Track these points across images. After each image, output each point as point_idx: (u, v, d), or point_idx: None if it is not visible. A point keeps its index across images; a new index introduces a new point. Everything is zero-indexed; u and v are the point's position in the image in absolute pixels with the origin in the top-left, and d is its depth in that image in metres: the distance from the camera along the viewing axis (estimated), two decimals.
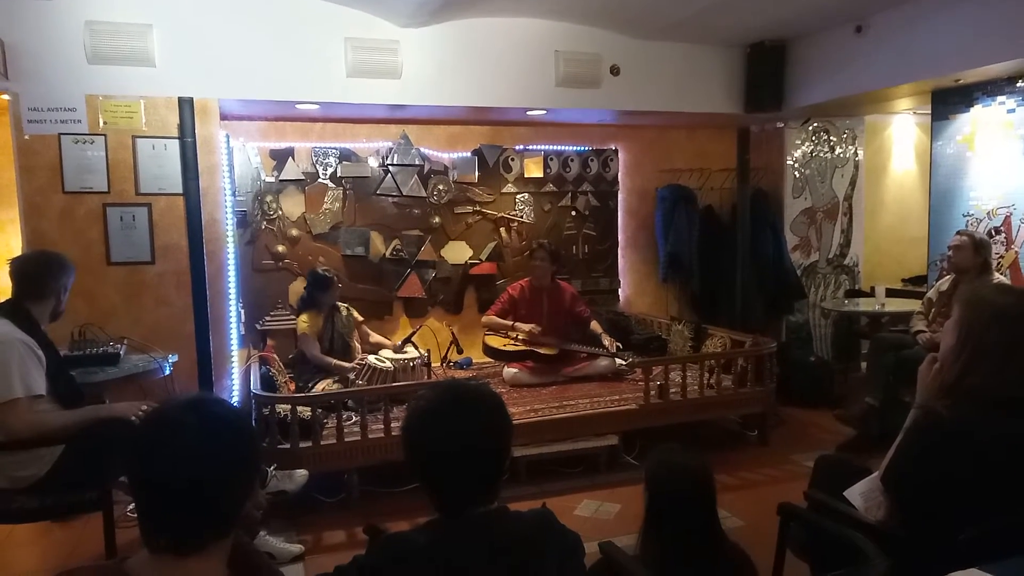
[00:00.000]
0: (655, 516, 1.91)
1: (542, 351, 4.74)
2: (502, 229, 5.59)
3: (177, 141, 3.97)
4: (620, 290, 6.03)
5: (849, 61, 4.74)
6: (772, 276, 5.82)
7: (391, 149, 5.22)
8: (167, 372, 3.64)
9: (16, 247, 4.33)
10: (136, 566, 1.10)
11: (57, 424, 2.67)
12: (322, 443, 3.58)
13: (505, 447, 1.45)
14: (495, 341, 4.80)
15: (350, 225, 5.18)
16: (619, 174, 5.92)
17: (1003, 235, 4.46)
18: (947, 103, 4.79)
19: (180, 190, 4.00)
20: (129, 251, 3.96)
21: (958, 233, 4.14)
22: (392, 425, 3.63)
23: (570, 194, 5.76)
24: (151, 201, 3.99)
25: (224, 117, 4.33)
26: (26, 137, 3.77)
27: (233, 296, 4.31)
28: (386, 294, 5.31)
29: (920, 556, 1.64)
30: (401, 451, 1.44)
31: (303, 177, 5.05)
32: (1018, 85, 4.33)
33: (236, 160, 4.77)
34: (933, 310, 4.28)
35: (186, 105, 3.94)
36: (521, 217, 5.62)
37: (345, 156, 5.13)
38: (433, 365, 4.54)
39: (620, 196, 5.95)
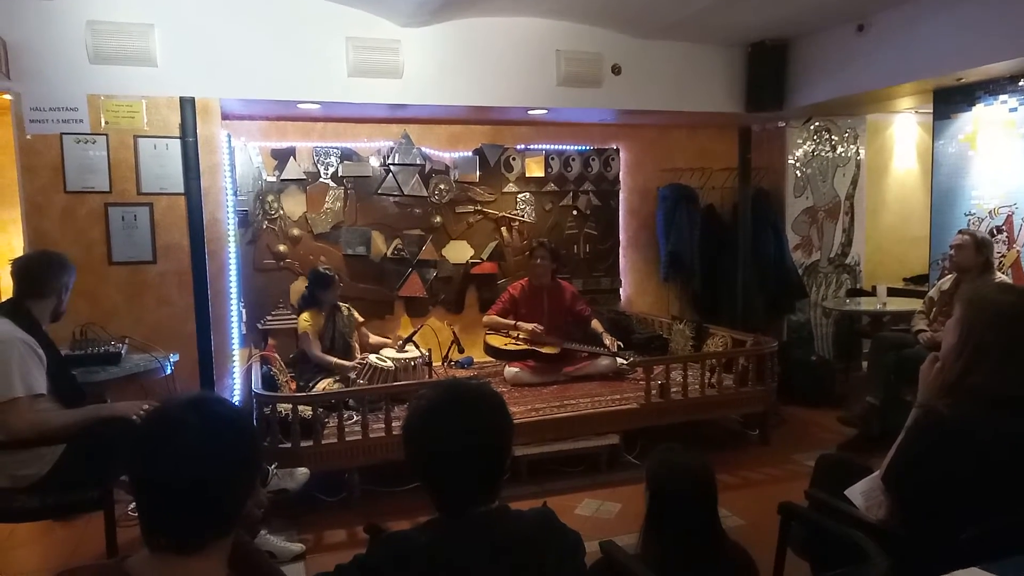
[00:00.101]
0: (656, 515, 1.91)
1: (543, 350, 4.74)
2: (503, 228, 5.59)
3: (179, 141, 3.97)
4: (621, 289, 6.03)
5: (850, 60, 4.73)
6: (773, 275, 5.82)
7: (392, 148, 5.23)
8: (168, 371, 3.64)
9: (18, 247, 4.33)
10: (137, 565, 1.11)
11: (58, 423, 2.67)
12: (323, 442, 3.58)
13: (506, 446, 1.45)
14: (496, 340, 4.80)
15: (351, 224, 5.18)
16: (620, 173, 5.92)
17: (1005, 234, 4.45)
18: (949, 102, 4.78)
19: (182, 190, 4.00)
20: (131, 251, 3.97)
21: (960, 232, 4.14)
22: (393, 424, 3.63)
23: (571, 193, 5.76)
24: (153, 201, 3.99)
25: (225, 117, 4.33)
26: (28, 137, 3.78)
27: (234, 295, 4.31)
28: (387, 293, 5.31)
29: (921, 555, 1.64)
30: (402, 450, 1.44)
31: (304, 177, 5.05)
32: (1020, 84, 4.32)
33: (237, 160, 4.78)
34: (934, 309, 4.28)
35: (187, 105, 3.95)
36: (522, 216, 5.62)
37: (346, 155, 5.13)
38: (434, 364, 4.54)
39: (621, 195, 5.95)
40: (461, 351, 5.02)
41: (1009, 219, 4.44)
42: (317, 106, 4.49)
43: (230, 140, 4.52)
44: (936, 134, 4.90)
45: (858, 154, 6.23)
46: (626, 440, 4.12)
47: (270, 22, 4.11)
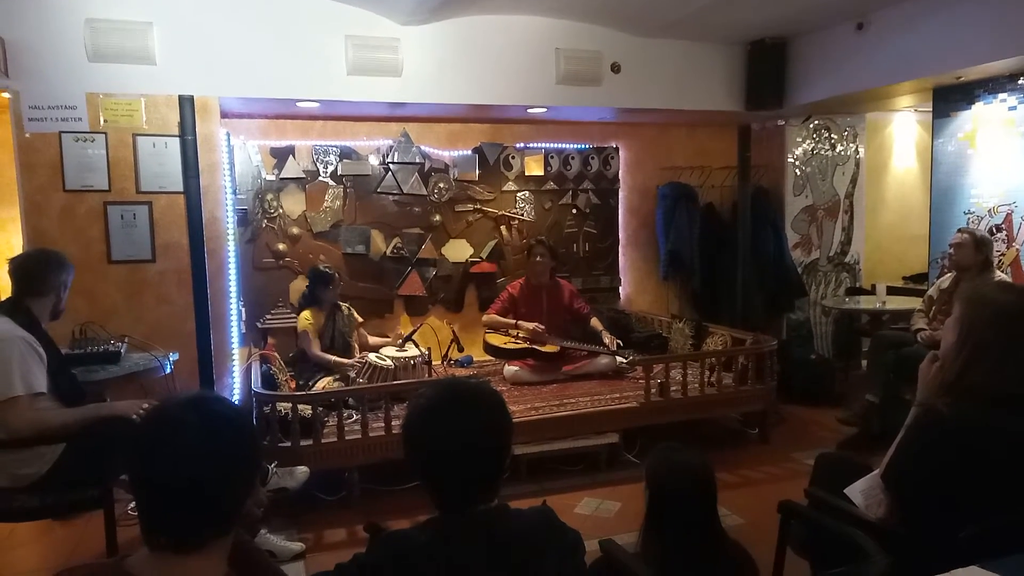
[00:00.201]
0: (656, 514, 1.91)
1: (543, 349, 4.74)
2: (503, 227, 5.59)
3: (178, 139, 3.96)
4: (621, 288, 6.02)
5: (850, 58, 4.73)
6: (773, 274, 5.82)
7: (392, 147, 5.22)
8: (168, 370, 3.64)
9: (17, 245, 4.33)
10: (136, 564, 1.11)
11: (58, 422, 2.67)
12: (323, 441, 3.58)
13: (505, 445, 1.45)
14: (496, 339, 4.80)
15: (351, 223, 5.18)
16: (620, 172, 5.92)
17: (1004, 233, 4.46)
18: (948, 100, 4.78)
19: (181, 188, 4.00)
20: (130, 249, 3.96)
21: (959, 231, 4.14)
22: (393, 423, 3.63)
23: (571, 192, 5.76)
24: (152, 199, 3.99)
25: (225, 115, 4.32)
26: (27, 135, 3.77)
27: (234, 294, 4.31)
28: (387, 292, 5.31)
29: (921, 554, 1.64)
30: (401, 449, 1.44)
31: (304, 175, 5.05)
32: (1019, 82, 4.32)
33: (237, 158, 4.77)
34: (934, 308, 4.28)
35: (186, 103, 3.94)
36: (522, 215, 5.62)
37: (346, 154, 5.13)
38: (434, 363, 4.54)
39: (621, 194, 5.95)
40: (461, 350, 5.02)
41: (1008, 217, 4.44)
42: (316, 104, 4.48)
43: (229, 138, 4.52)
44: (935, 132, 4.90)
45: (857, 152, 6.23)
46: (626, 439, 4.12)
47: (269, 20, 4.10)
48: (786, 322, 6.03)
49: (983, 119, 4.57)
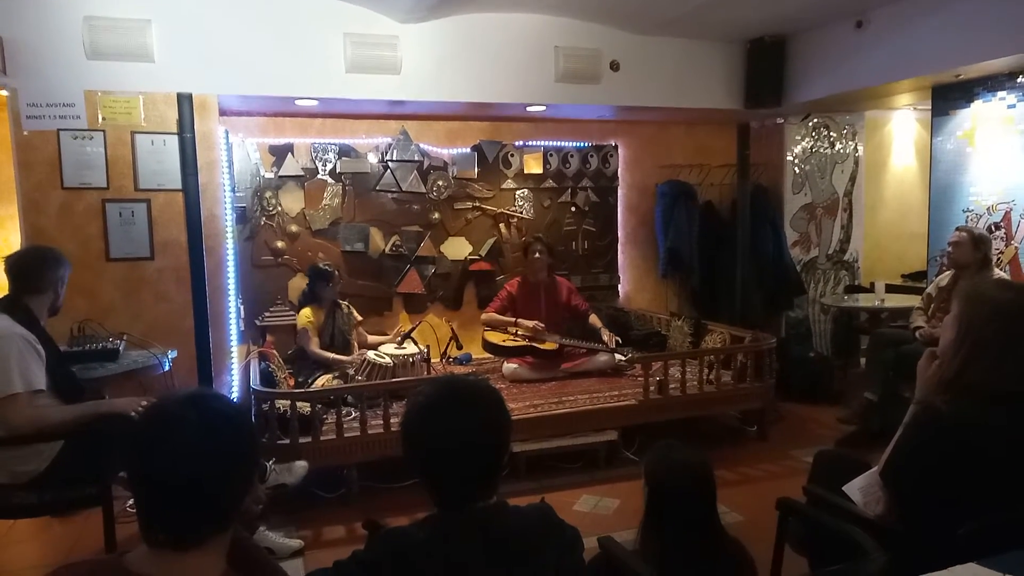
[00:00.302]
0: (655, 511, 1.91)
1: (542, 346, 4.74)
2: (502, 225, 5.59)
3: (176, 137, 3.96)
4: (620, 286, 6.02)
5: (849, 56, 4.73)
6: (772, 272, 5.82)
7: (390, 145, 5.22)
8: (167, 368, 3.64)
9: (15, 243, 4.32)
10: (135, 560, 1.11)
11: (56, 419, 2.67)
12: (321, 438, 3.58)
13: (504, 443, 1.45)
14: (495, 337, 4.80)
15: (349, 221, 5.18)
16: (619, 170, 5.92)
17: (1003, 231, 4.46)
18: (947, 99, 4.78)
19: (179, 186, 3.99)
20: (128, 247, 3.96)
21: (957, 229, 4.14)
22: (391, 421, 3.63)
23: (570, 190, 5.76)
24: (150, 197, 3.98)
25: (223, 113, 4.32)
26: (25, 133, 3.76)
27: (232, 292, 4.31)
28: (386, 290, 5.31)
29: (919, 551, 1.64)
30: (400, 446, 1.44)
31: (302, 173, 5.04)
32: (1018, 80, 4.32)
33: (235, 156, 4.77)
34: (932, 306, 4.28)
35: (185, 101, 3.94)
36: (521, 213, 5.62)
37: (344, 152, 5.13)
38: (432, 361, 4.54)
39: (620, 192, 5.95)
40: (459, 347, 5.02)
41: (1007, 215, 4.44)
42: (315, 102, 4.47)
43: (228, 136, 4.52)
44: (934, 131, 4.90)
45: (856, 150, 6.23)
46: (624, 436, 4.12)
47: (268, 17, 4.09)
48: (785, 320, 6.03)
49: (982, 117, 4.57)
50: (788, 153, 5.99)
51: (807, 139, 6.04)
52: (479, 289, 5.52)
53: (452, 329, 5.06)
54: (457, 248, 5.48)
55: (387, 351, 4.40)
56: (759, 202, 5.85)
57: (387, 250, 5.28)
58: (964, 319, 1.78)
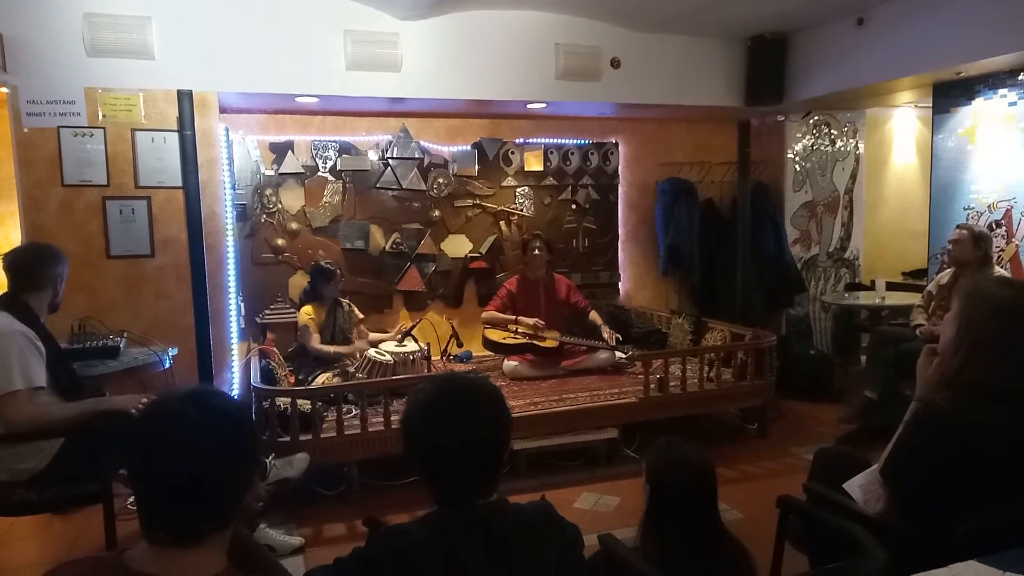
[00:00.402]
0: (656, 509, 1.91)
1: (542, 344, 4.74)
2: (502, 223, 5.58)
3: (176, 134, 3.96)
4: (620, 284, 6.02)
5: (850, 54, 4.72)
6: (772, 270, 5.82)
7: (391, 142, 5.21)
8: (167, 365, 3.64)
9: (16, 240, 4.33)
10: (136, 558, 1.11)
11: (57, 416, 2.67)
12: (322, 436, 3.58)
13: (504, 440, 1.45)
14: (495, 334, 4.80)
15: (350, 218, 5.17)
16: (619, 167, 5.91)
17: (1004, 228, 4.45)
18: (948, 96, 4.77)
19: (179, 183, 3.99)
20: (128, 244, 3.96)
21: (958, 227, 4.14)
22: (392, 418, 3.63)
23: (570, 188, 5.76)
24: (150, 194, 3.98)
25: (223, 110, 4.32)
26: (25, 130, 3.76)
27: (233, 289, 4.31)
28: (386, 288, 5.31)
29: (919, 548, 1.64)
30: (401, 444, 1.44)
31: (303, 170, 5.04)
32: (1019, 78, 4.31)
33: (235, 153, 4.76)
34: (933, 303, 4.28)
35: (185, 98, 3.93)
36: (521, 211, 5.62)
37: (345, 149, 5.12)
38: (433, 359, 4.54)
39: (620, 190, 5.94)
40: (460, 345, 5.03)
41: (1008, 213, 4.44)
42: (315, 99, 4.47)
43: (228, 134, 4.51)
44: (935, 128, 4.90)
45: (857, 148, 6.22)
46: (625, 434, 4.12)
47: (268, 15, 4.09)
48: (785, 318, 6.03)
49: (983, 115, 4.57)
50: (789, 151, 5.98)
51: (808, 136, 6.03)
52: (479, 287, 5.52)
53: (452, 327, 5.06)
54: (457, 246, 5.48)
55: (387, 349, 4.40)
56: (760, 200, 5.85)
57: (387, 248, 5.28)
58: (965, 317, 1.78)
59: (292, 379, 4.24)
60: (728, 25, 4.90)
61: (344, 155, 5.11)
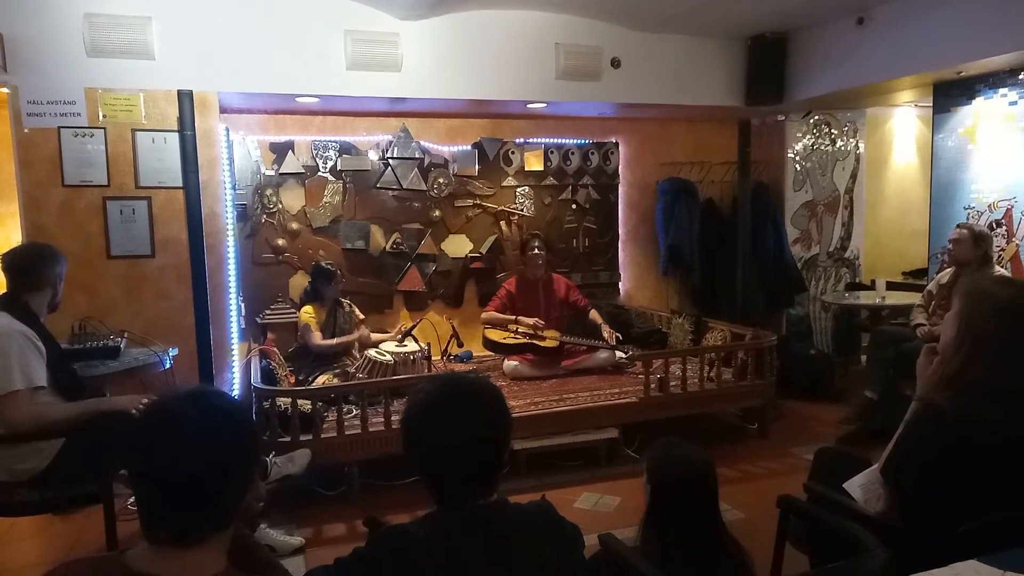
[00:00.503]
0: (656, 509, 1.91)
1: (543, 344, 4.74)
2: (502, 223, 5.58)
3: (177, 134, 3.96)
4: (620, 283, 6.02)
5: (850, 53, 4.72)
6: (773, 269, 5.82)
7: (391, 142, 5.21)
8: (167, 365, 3.64)
9: (16, 241, 4.32)
10: (136, 557, 1.11)
11: (58, 416, 2.67)
12: (322, 436, 3.58)
13: (505, 440, 1.45)
14: (495, 334, 4.80)
15: (350, 219, 5.17)
16: (620, 167, 5.91)
17: (1004, 228, 4.45)
18: (949, 95, 4.77)
19: (180, 183, 3.99)
20: (129, 244, 3.96)
21: (958, 226, 4.14)
22: (392, 418, 3.63)
23: (571, 187, 5.75)
24: (151, 194, 3.98)
25: (224, 110, 4.32)
26: (25, 130, 3.76)
27: (233, 289, 4.31)
28: (386, 288, 5.31)
29: (920, 548, 1.64)
30: (401, 444, 1.44)
31: (303, 170, 5.04)
32: (1020, 77, 4.31)
33: (236, 153, 4.77)
34: (933, 303, 4.28)
35: (185, 98, 3.93)
36: (522, 210, 5.62)
37: (345, 149, 5.12)
38: (433, 359, 4.54)
39: (621, 189, 5.94)
40: (460, 345, 5.02)
41: (1008, 213, 4.44)
42: (316, 99, 4.47)
43: (228, 134, 4.51)
44: (936, 128, 4.90)
45: (858, 148, 6.22)
46: (625, 434, 4.12)
47: (268, 15, 4.09)
48: (786, 317, 6.02)
49: (983, 114, 4.56)
50: (789, 150, 5.98)
51: (808, 136, 6.03)
52: (480, 287, 5.52)
53: (453, 327, 5.06)
54: (458, 246, 5.48)
55: (388, 349, 4.40)
56: (760, 199, 5.84)
57: (388, 248, 5.28)
58: (965, 316, 1.78)
59: (292, 379, 4.24)
60: (728, 25, 4.90)
61: (344, 155, 5.11)
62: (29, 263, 2.84)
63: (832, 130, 6.11)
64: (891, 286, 5.46)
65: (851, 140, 6.19)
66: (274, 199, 4.98)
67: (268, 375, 3.98)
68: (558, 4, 4.54)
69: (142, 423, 1.17)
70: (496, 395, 1.47)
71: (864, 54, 4.63)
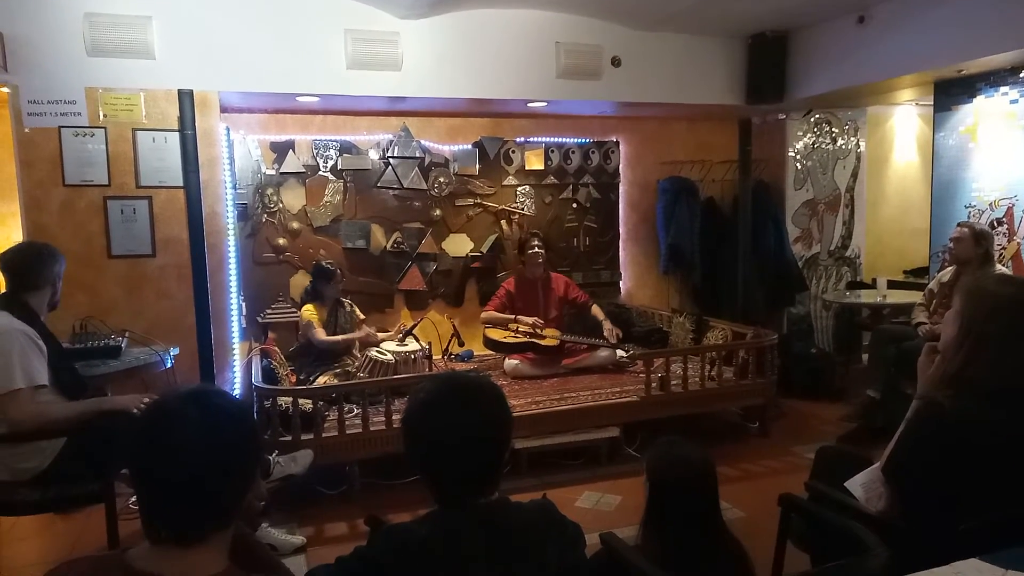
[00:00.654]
0: (657, 508, 1.91)
1: (543, 343, 4.74)
2: (503, 222, 5.58)
3: (177, 134, 3.96)
4: (621, 282, 6.02)
5: (851, 52, 4.72)
6: (773, 268, 5.81)
7: (392, 141, 5.21)
8: (168, 365, 3.64)
9: (17, 240, 4.32)
10: (137, 557, 1.11)
11: (59, 415, 2.67)
12: (324, 435, 3.58)
13: (505, 439, 1.45)
14: (496, 333, 4.80)
15: (351, 218, 5.17)
16: (620, 166, 5.91)
17: (1005, 226, 4.45)
18: (949, 94, 4.77)
19: (181, 183, 3.99)
20: (130, 244, 3.96)
21: (959, 225, 4.14)
22: (393, 417, 3.63)
23: (571, 186, 5.75)
24: (152, 194, 3.98)
25: (224, 110, 4.32)
26: (26, 130, 3.76)
27: (234, 289, 4.31)
28: (387, 287, 5.31)
29: (921, 546, 1.64)
30: (402, 443, 1.44)
31: (304, 170, 5.04)
32: (1021, 76, 4.31)
33: (236, 153, 4.77)
34: (934, 301, 4.28)
35: (186, 97, 3.93)
36: (522, 209, 5.61)
37: (346, 148, 5.12)
38: (434, 358, 4.54)
39: (621, 188, 5.94)
40: (461, 344, 5.03)
41: (1009, 211, 4.43)
42: (316, 99, 4.47)
43: (229, 133, 4.51)
44: (937, 126, 4.89)
45: (858, 146, 6.22)
46: (626, 433, 4.12)
47: (269, 14, 4.09)
48: (787, 316, 6.02)
49: (984, 113, 4.56)
50: (790, 149, 5.98)
51: (809, 135, 6.03)
52: (480, 286, 5.52)
53: (454, 326, 5.06)
54: (458, 245, 5.48)
55: (389, 348, 4.40)
56: (761, 198, 5.84)
57: (388, 247, 5.28)
58: (966, 315, 1.78)
59: (293, 378, 4.24)
60: (729, 23, 4.90)
61: (345, 154, 5.11)
62: (28, 262, 2.84)
63: (833, 129, 6.10)
64: (892, 285, 5.47)
65: (852, 138, 6.18)
66: (275, 198, 4.98)
67: (269, 374, 3.98)
68: (558, 3, 4.54)
69: (143, 422, 1.17)
70: (497, 394, 1.47)
71: (865, 52, 4.63)
